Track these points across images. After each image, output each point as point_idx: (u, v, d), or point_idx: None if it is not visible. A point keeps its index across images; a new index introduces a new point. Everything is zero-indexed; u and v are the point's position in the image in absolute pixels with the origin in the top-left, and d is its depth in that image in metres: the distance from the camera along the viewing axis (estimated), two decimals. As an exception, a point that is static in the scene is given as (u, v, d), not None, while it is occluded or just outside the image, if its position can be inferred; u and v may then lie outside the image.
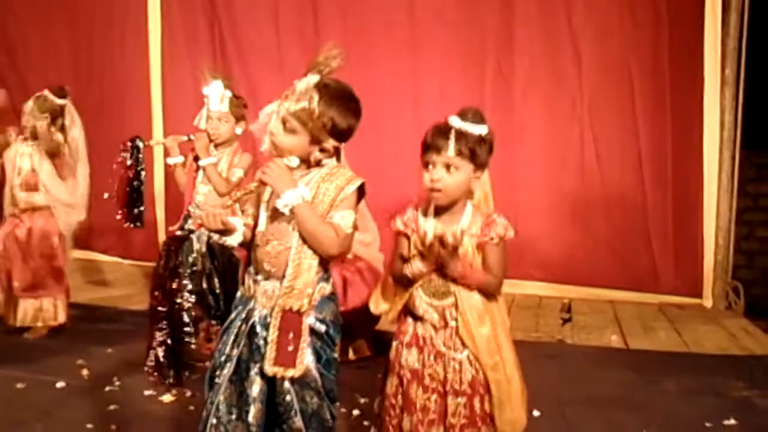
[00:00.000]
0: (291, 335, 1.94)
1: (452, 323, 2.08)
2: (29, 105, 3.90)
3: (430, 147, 2.03)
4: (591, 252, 5.11)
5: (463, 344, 2.08)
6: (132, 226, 3.62)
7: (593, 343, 4.17)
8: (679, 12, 4.86)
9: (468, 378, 2.07)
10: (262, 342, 1.98)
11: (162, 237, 5.75)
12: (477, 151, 2.02)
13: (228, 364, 2.02)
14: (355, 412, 2.99)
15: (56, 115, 3.96)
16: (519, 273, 4.92)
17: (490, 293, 2.09)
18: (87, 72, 5.99)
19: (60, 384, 3.28)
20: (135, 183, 3.53)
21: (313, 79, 1.96)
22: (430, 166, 2.04)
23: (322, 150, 1.99)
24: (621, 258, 5.09)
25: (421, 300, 2.11)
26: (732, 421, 3.02)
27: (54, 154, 3.96)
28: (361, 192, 2.03)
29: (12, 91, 6.08)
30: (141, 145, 3.60)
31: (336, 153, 2.06)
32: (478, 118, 2.04)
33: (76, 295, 4.46)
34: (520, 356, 2.20)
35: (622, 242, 5.10)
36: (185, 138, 3.71)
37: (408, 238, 2.13)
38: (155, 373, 3.29)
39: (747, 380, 3.50)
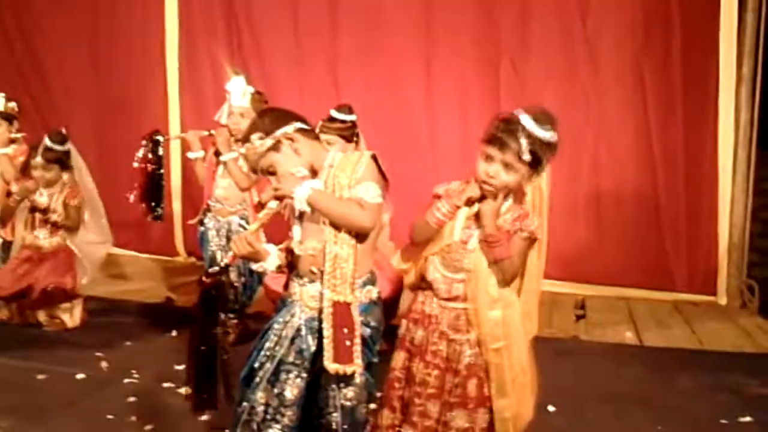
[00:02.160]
0: (346, 331, 1.96)
1: (459, 304, 2.13)
2: (39, 160, 3.92)
3: (494, 141, 2.01)
4: (605, 249, 5.10)
5: (467, 326, 2.12)
6: (154, 220, 3.67)
7: (608, 340, 4.18)
8: (693, 11, 4.84)
9: (465, 360, 2.12)
10: (304, 346, 2.02)
11: (179, 231, 5.80)
12: (539, 155, 2.00)
13: (268, 365, 2.04)
14: (371, 405, 3.01)
15: (65, 160, 4.02)
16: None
17: (501, 276, 2.11)
18: (106, 67, 6.01)
19: (80, 376, 3.34)
20: (155, 178, 3.57)
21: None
22: (488, 158, 2.03)
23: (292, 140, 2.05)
24: (635, 255, 5.08)
25: (435, 268, 2.15)
26: (748, 419, 3.04)
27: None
28: (376, 164, 2.06)
29: (32, 89, 6.16)
30: (161, 139, 3.64)
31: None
32: (550, 123, 2.02)
33: (95, 288, 4.50)
34: (534, 352, 2.23)
35: (636, 240, 5.09)
36: (206, 133, 3.75)
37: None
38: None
39: (762, 378, 3.51)
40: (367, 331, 2.03)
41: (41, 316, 4.06)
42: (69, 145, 4.04)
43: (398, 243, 3.80)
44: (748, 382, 3.46)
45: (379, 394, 3.02)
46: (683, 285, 5.01)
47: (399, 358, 2.22)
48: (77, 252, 4.08)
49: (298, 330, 2.04)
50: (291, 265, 2.14)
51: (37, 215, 4.03)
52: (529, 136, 1.98)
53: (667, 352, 3.97)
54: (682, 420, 3.04)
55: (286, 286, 2.15)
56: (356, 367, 1.96)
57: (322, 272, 2.01)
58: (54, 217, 3.96)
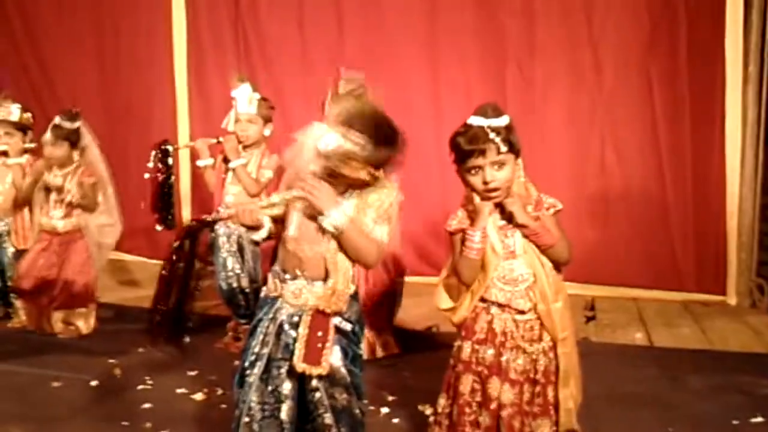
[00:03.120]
0: (320, 333, 1.99)
1: (533, 314, 2.15)
2: (48, 137, 3.98)
3: (473, 153, 2.07)
4: (613, 250, 5.11)
5: (541, 333, 2.15)
6: (165, 229, 3.70)
7: (618, 341, 4.18)
8: (698, 11, 4.85)
9: (542, 368, 2.15)
10: (290, 341, 2.03)
11: (188, 238, 5.83)
12: (512, 140, 2.09)
13: (258, 364, 2.07)
14: (384, 409, 3.03)
15: (74, 139, 4.05)
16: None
17: (562, 257, 2.17)
18: (113, 75, 6.08)
19: (94, 383, 3.36)
20: (166, 187, 3.60)
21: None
22: (475, 171, 2.09)
23: (370, 173, 2.00)
24: (643, 256, 5.09)
25: (502, 290, 2.16)
26: (759, 419, 3.03)
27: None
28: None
29: (42, 96, 6.22)
30: (170, 149, 3.67)
31: None
32: (498, 111, 2.12)
33: (106, 295, 4.55)
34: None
35: (645, 240, 5.09)
36: (214, 140, 3.78)
37: (465, 232, 2.17)
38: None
39: (773, 378, 3.50)
40: (348, 325, 2.05)
41: (57, 322, 4.09)
42: (79, 124, 4.07)
43: (405, 247, 3.84)
44: (759, 382, 3.45)
45: (391, 398, 3.09)
46: (692, 285, 5.01)
47: (467, 382, 2.20)
48: (89, 236, 4.11)
49: (281, 326, 2.06)
50: (272, 259, 2.15)
51: (52, 196, 4.05)
52: (493, 129, 2.07)
53: (677, 353, 3.96)
54: (693, 421, 3.04)
55: (264, 281, 2.17)
56: (323, 369, 1.99)
57: (311, 277, 2.02)
58: (69, 197, 3.99)
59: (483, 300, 2.19)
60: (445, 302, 2.30)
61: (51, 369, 3.51)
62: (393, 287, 3.68)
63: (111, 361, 3.63)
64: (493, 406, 2.14)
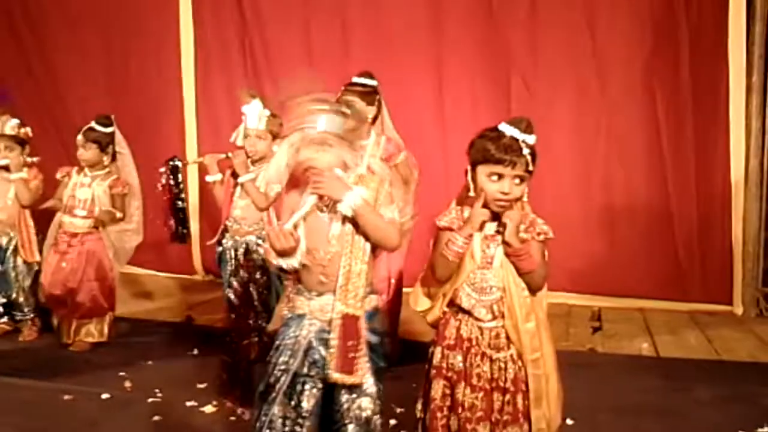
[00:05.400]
0: (351, 343, 2.02)
1: (498, 322, 2.16)
2: (79, 138, 4.06)
3: (501, 161, 2.07)
4: (619, 261, 5.13)
5: (508, 342, 2.16)
6: (180, 243, 3.75)
7: (624, 352, 4.19)
8: (701, 22, 4.87)
9: (511, 376, 2.16)
10: (318, 357, 2.06)
11: (197, 250, 5.87)
12: (535, 160, 2.11)
13: (283, 378, 2.09)
14: (392, 421, 3.05)
15: (104, 143, 4.12)
16: (548, 283, 4.94)
17: (535, 284, 2.17)
18: (122, 93, 6.11)
19: (105, 396, 3.39)
20: (177, 202, 3.64)
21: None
22: (496, 177, 2.09)
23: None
24: (649, 266, 5.10)
25: (469, 296, 2.18)
26: (766, 429, 3.04)
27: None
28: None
29: (52, 110, 6.28)
30: (179, 164, 3.71)
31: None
32: (531, 128, 2.12)
33: (116, 308, 4.57)
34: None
35: (650, 251, 5.11)
36: (223, 156, 3.81)
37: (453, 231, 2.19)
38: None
39: (780, 388, 3.51)
40: (374, 338, 2.08)
41: (77, 331, 4.12)
42: (112, 129, 4.17)
43: (411, 259, 3.86)
44: (765, 392, 3.46)
45: (399, 410, 3.10)
46: (698, 295, 5.02)
47: (438, 387, 2.22)
48: (106, 239, 4.16)
49: (310, 342, 2.08)
50: (296, 279, 2.17)
51: (78, 194, 4.09)
52: (528, 146, 2.08)
53: (683, 363, 3.98)
54: (700, 431, 3.06)
55: (289, 300, 2.19)
56: (358, 378, 2.02)
57: (331, 283, 2.05)
58: (96, 202, 4.07)
59: (452, 303, 2.22)
60: (422, 304, 2.32)
61: (61, 383, 3.54)
62: (395, 297, 3.71)
63: (121, 373, 3.66)
64: (461, 410, 2.16)
